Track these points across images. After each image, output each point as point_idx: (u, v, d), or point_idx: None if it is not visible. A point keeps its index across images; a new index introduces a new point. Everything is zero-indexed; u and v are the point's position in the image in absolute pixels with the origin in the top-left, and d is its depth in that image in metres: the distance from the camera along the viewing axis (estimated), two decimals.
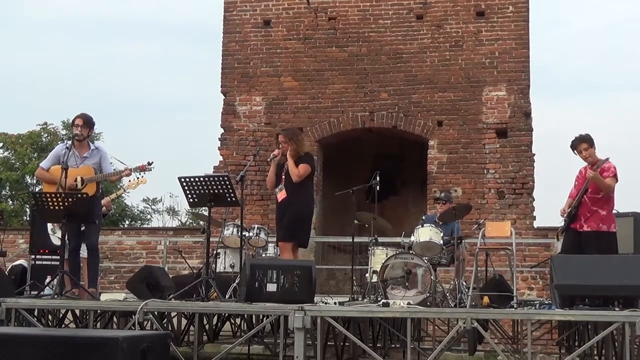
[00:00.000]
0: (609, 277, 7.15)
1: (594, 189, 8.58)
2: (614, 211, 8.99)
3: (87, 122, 8.80)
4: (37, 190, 14.29)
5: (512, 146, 13.83)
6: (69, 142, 8.77)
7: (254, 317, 9.67)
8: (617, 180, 8.66)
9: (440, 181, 13.95)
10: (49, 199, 8.20)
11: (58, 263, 8.51)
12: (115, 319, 8.90)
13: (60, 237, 9.14)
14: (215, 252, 9.75)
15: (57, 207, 8.10)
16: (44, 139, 26.84)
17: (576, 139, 8.81)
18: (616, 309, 6.93)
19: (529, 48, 14.13)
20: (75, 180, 8.57)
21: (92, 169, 8.73)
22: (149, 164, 8.69)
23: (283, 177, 8.91)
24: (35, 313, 8.22)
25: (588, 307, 7.10)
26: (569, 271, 7.35)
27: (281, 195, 8.82)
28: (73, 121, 8.85)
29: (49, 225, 9.41)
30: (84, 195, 8.29)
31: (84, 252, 9.43)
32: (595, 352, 8.74)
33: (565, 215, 8.78)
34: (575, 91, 53.32)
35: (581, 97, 53.04)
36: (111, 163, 9.24)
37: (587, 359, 8.77)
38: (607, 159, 8.69)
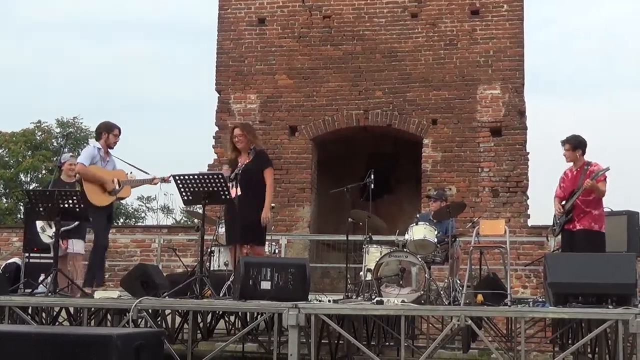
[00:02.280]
0: (602, 275, 7.16)
1: (586, 191, 8.63)
2: (607, 209, 9.03)
3: (121, 132, 9.15)
4: (31, 188, 14.26)
5: (507, 145, 13.86)
6: (98, 145, 9.02)
7: (248, 314, 9.68)
8: (606, 182, 8.74)
9: (434, 179, 13.97)
10: (42, 197, 8.29)
11: (52, 261, 8.51)
12: (109, 317, 8.89)
13: (50, 235, 9.21)
14: (209, 250, 9.74)
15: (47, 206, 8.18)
16: (37, 137, 26.84)
17: (566, 137, 8.90)
18: (609, 306, 6.94)
19: (524, 47, 14.18)
20: (113, 181, 8.75)
21: (125, 173, 8.94)
22: (171, 176, 8.80)
23: (238, 172, 8.51)
24: (29, 311, 8.22)
25: (581, 305, 7.11)
26: (562, 269, 7.36)
27: (233, 191, 8.34)
28: (111, 129, 9.04)
29: (39, 224, 9.41)
30: (77, 192, 8.34)
31: (73, 248, 9.46)
32: (589, 350, 8.76)
33: (560, 215, 8.82)
34: (571, 90, 53.44)
35: (577, 96, 53.14)
36: None
37: (581, 356, 8.79)
38: (591, 163, 8.74)
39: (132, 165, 9.12)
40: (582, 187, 8.60)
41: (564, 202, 8.81)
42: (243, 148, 8.67)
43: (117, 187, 8.78)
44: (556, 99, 50.00)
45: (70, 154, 11.10)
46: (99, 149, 8.97)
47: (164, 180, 8.94)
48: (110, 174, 8.84)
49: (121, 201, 9.26)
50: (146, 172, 9.01)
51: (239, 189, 8.41)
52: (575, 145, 8.83)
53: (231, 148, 8.80)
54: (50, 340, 5.46)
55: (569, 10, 53.61)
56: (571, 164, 8.94)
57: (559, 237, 9.12)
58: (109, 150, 9.09)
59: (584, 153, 8.90)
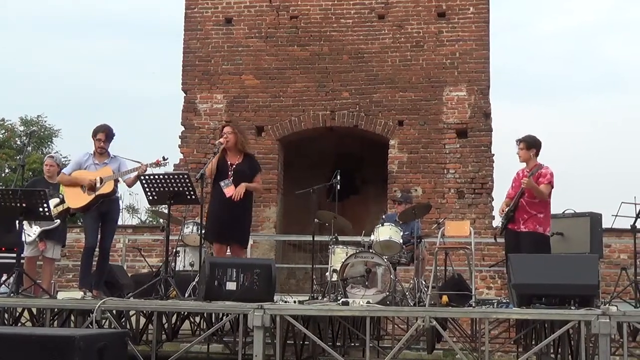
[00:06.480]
0: (566, 276, 7.23)
1: (531, 193, 8.59)
2: (570, 211, 9.03)
3: (109, 135, 8.86)
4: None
5: (472, 146, 13.95)
6: (91, 151, 8.88)
7: (213, 315, 9.64)
8: (552, 187, 8.62)
9: (400, 180, 14.02)
10: (6, 196, 8.21)
11: (14, 261, 8.42)
12: (72, 318, 8.80)
13: (29, 234, 9.11)
14: (174, 250, 9.70)
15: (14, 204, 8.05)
16: (0, 135, 26.49)
17: (522, 137, 8.81)
18: (572, 307, 7.01)
19: (489, 49, 14.28)
20: (95, 180, 8.61)
21: (111, 169, 8.76)
22: (164, 159, 8.60)
23: (231, 173, 8.60)
24: None
25: (545, 306, 7.17)
26: (526, 270, 7.42)
27: (229, 191, 8.51)
28: (95, 134, 8.83)
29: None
30: (41, 192, 8.26)
31: (48, 252, 9.35)
32: (552, 350, 8.85)
33: (502, 215, 8.79)
34: (539, 93, 54.00)
35: (544, 99, 53.68)
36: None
37: (544, 357, 8.87)
38: (543, 166, 8.66)
39: (129, 160, 8.93)
40: (522, 187, 8.54)
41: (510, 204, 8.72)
42: (230, 147, 8.67)
43: (98, 184, 8.58)
44: (525, 102, 50.47)
45: (50, 154, 11.06)
46: (90, 154, 8.83)
47: (156, 164, 8.56)
48: (92, 174, 8.66)
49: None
50: (138, 162, 8.67)
51: (233, 188, 8.49)
52: (530, 144, 8.70)
53: (226, 141, 8.72)
54: (12, 341, 5.41)
55: (538, 15, 54.16)
56: (524, 164, 8.81)
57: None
58: (108, 152, 8.88)
59: (537, 154, 8.76)
